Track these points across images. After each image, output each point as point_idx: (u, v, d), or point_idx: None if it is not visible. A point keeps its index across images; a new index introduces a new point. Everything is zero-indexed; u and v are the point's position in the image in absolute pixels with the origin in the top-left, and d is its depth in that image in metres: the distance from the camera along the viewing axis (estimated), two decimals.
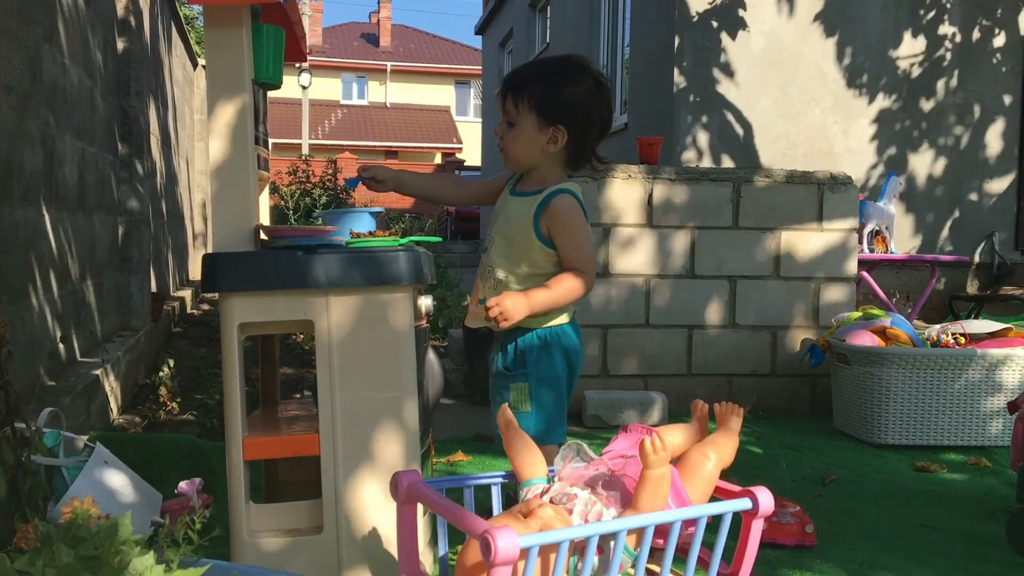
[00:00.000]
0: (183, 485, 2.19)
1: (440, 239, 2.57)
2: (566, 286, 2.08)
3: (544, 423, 2.13)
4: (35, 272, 3.00)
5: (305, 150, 22.73)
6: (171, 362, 4.32)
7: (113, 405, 3.73)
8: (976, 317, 5.77)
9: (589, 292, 2.16)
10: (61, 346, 3.30)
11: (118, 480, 2.18)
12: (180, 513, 1.85)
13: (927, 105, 7.54)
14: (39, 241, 3.06)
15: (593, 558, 1.54)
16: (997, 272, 7.47)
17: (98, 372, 3.45)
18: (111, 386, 3.69)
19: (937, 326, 4.16)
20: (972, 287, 7.54)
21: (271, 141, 2.39)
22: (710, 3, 7.26)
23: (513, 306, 2.01)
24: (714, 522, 1.72)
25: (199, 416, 3.75)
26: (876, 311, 4.16)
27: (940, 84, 7.53)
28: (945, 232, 7.60)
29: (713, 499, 1.82)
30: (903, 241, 7.41)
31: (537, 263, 2.12)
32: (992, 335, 3.95)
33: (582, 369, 4.09)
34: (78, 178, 3.70)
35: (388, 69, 35.17)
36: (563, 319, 2.18)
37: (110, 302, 4.48)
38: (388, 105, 35.00)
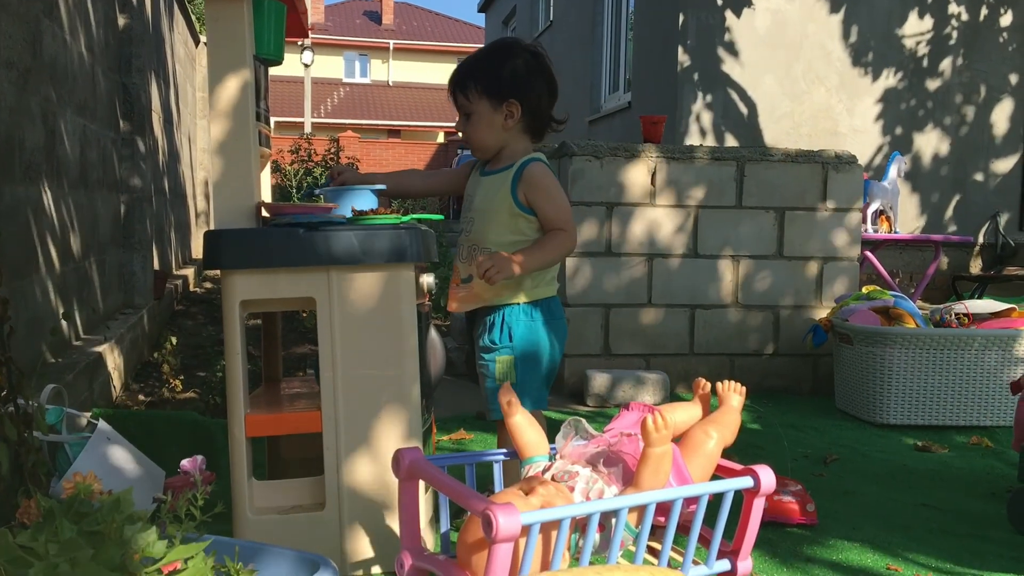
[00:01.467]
0: (185, 462, 2.20)
1: (442, 217, 2.57)
2: (553, 243, 2.18)
3: (529, 394, 2.18)
4: (37, 249, 2.99)
5: (308, 128, 22.66)
6: (174, 339, 4.32)
7: (116, 382, 3.74)
8: (979, 297, 5.77)
9: (574, 248, 2.27)
10: (64, 323, 3.30)
11: (121, 456, 2.18)
12: (182, 489, 1.86)
13: (933, 84, 7.49)
14: (41, 218, 3.06)
15: (594, 535, 1.55)
16: (1001, 252, 7.45)
17: (101, 349, 3.45)
18: (114, 363, 3.69)
19: (940, 306, 4.15)
20: (976, 267, 7.52)
21: (273, 119, 2.39)
22: None
23: (505, 261, 2.07)
24: (715, 500, 1.72)
25: (202, 393, 3.75)
26: (879, 291, 4.15)
27: (946, 63, 7.48)
28: (949, 212, 7.57)
29: (715, 477, 1.82)
30: (907, 221, 7.38)
31: (521, 230, 2.21)
32: (995, 315, 3.94)
33: (585, 348, 4.10)
34: (79, 155, 3.69)
35: (391, 47, 34.97)
36: (549, 292, 2.26)
37: (113, 280, 4.48)
38: (391, 83, 34.83)
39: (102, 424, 2.21)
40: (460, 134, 2.30)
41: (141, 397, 3.82)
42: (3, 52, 2.64)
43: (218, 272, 2.01)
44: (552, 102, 2.28)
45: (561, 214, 2.19)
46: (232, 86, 1.96)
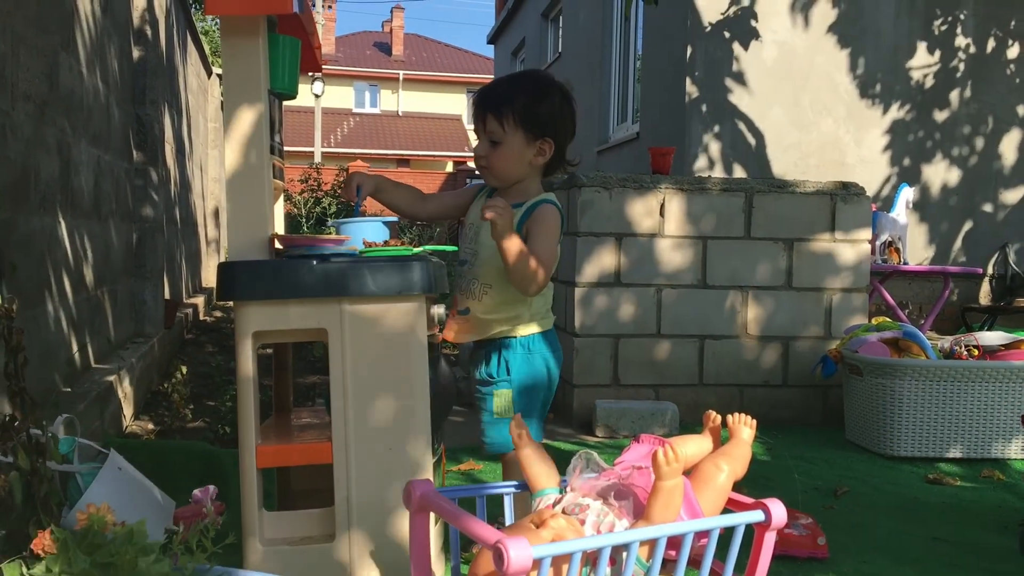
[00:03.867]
0: (197, 492, 2.20)
1: (455, 248, 2.57)
2: (531, 261, 2.07)
3: (530, 426, 2.16)
4: (51, 279, 3.02)
5: (318, 158, 22.81)
6: (184, 369, 4.33)
7: (127, 411, 3.75)
8: (989, 329, 5.76)
9: (537, 292, 2.15)
10: (76, 353, 3.32)
11: (132, 487, 2.19)
12: (193, 520, 1.86)
13: (940, 116, 7.52)
14: (55, 248, 3.08)
15: (605, 569, 1.54)
16: (1010, 284, 7.43)
17: (112, 378, 3.46)
18: (125, 392, 3.71)
19: (950, 338, 4.14)
20: (985, 298, 7.50)
21: (284, 149, 2.41)
22: (722, 13, 7.27)
23: (506, 215, 2.01)
24: (726, 534, 1.71)
25: (211, 423, 3.76)
26: (889, 322, 4.15)
27: (954, 95, 7.51)
28: (958, 243, 7.57)
29: (725, 511, 1.82)
30: (916, 252, 7.38)
31: None
32: (1006, 347, 3.93)
33: (594, 379, 4.10)
34: (93, 185, 3.72)
35: (400, 78, 35.28)
36: (546, 325, 2.25)
37: (124, 309, 4.50)
38: (400, 113, 35.10)
39: (113, 454, 2.22)
40: (479, 158, 2.21)
41: (151, 426, 3.83)
42: (21, 84, 2.67)
43: (229, 302, 2.02)
44: (569, 143, 2.26)
45: (546, 257, 2.11)
46: (247, 120, 1.99)
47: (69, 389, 3.13)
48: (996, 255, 7.53)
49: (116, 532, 1.29)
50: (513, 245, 2.05)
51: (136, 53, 4.95)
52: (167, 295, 5.61)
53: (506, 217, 2.02)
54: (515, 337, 2.19)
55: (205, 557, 1.41)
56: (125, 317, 4.54)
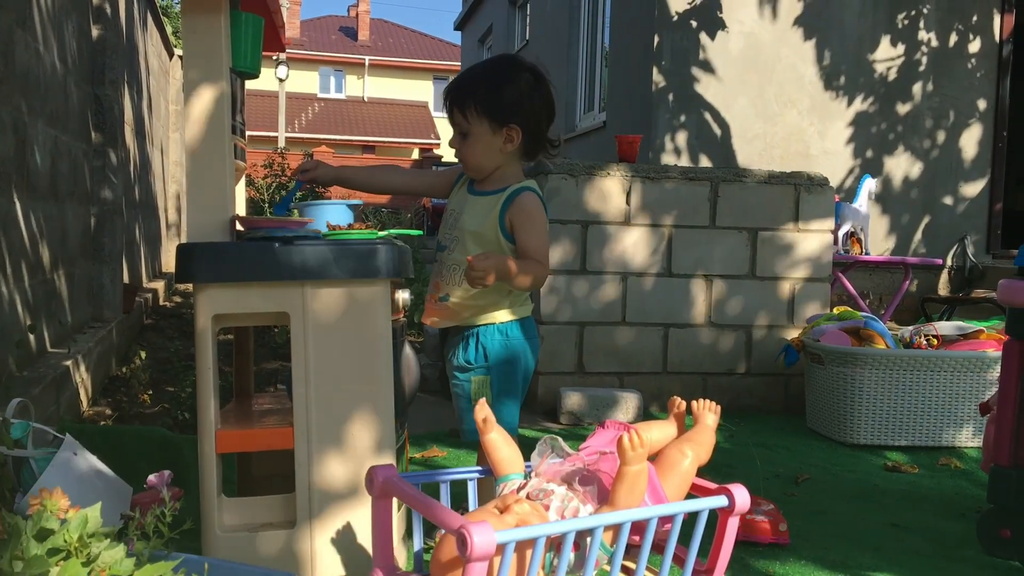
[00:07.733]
0: (152, 478, 2.16)
1: (420, 232, 2.54)
2: (532, 268, 2.09)
3: (503, 414, 2.16)
4: (5, 261, 2.95)
5: (282, 143, 22.57)
6: (143, 354, 4.27)
7: (83, 397, 3.68)
8: (948, 319, 5.83)
9: (542, 284, 2.18)
10: (31, 336, 3.25)
11: (87, 472, 2.14)
12: (150, 506, 1.83)
13: (903, 109, 7.59)
14: (9, 229, 3.01)
15: (569, 554, 1.54)
16: (969, 275, 7.54)
17: (68, 363, 3.40)
18: (81, 377, 3.64)
19: (910, 327, 4.19)
20: (944, 289, 7.61)
21: (247, 133, 2.37)
22: (689, 3, 7.28)
23: (494, 268, 1.98)
24: (690, 519, 1.72)
25: (171, 409, 3.71)
26: (850, 312, 4.19)
27: (916, 88, 7.59)
28: (919, 234, 7.66)
29: (689, 496, 1.82)
30: (877, 243, 7.46)
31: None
32: (964, 337, 3.98)
33: (559, 366, 4.10)
34: (51, 166, 3.64)
35: (366, 63, 34.99)
36: (524, 312, 2.23)
37: (81, 293, 4.42)
38: (366, 99, 34.82)
39: (69, 439, 2.17)
40: (456, 151, 2.20)
41: (109, 412, 3.76)
42: None
43: (189, 286, 1.99)
44: (549, 125, 2.23)
45: (542, 248, 2.12)
46: (208, 98, 1.95)
47: (23, 373, 3.06)
48: (955, 247, 7.64)
49: (69, 517, 1.26)
50: (510, 272, 2.03)
51: (95, 32, 4.84)
52: (126, 279, 5.52)
53: (488, 271, 1.96)
54: (493, 324, 2.17)
55: (162, 543, 1.38)
56: (82, 301, 4.46)
